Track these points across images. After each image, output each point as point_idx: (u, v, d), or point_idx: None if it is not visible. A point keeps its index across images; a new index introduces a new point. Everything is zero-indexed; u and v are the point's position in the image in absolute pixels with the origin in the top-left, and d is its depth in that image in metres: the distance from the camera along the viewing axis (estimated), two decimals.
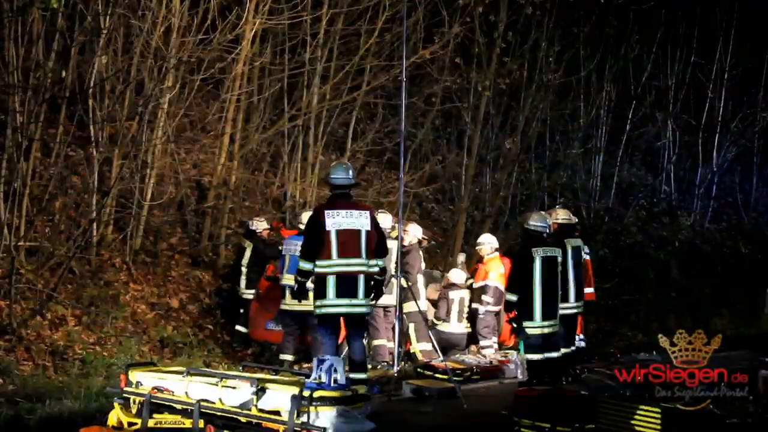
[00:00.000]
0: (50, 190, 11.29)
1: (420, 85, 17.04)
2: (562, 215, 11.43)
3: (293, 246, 10.65)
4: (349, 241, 8.38)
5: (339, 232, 8.34)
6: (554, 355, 9.83)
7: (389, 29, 14.87)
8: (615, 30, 21.31)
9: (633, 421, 7.67)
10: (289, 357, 10.84)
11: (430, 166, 17.87)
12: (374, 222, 8.62)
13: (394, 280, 10.27)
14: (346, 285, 8.38)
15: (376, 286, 8.67)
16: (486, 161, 18.63)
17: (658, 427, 7.49)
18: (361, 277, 8.44)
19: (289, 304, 10.57)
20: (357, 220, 8.45)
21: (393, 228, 11.77)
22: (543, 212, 12.85)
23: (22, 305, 10.49)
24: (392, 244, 11.42)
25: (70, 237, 11.33)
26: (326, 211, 8.43)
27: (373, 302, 8.92)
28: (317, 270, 8.38)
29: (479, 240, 13.05)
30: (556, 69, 19.01)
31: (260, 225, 12.66)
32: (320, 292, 8.42)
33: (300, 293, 8.81)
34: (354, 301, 8.42)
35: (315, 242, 8.39)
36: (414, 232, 11.87)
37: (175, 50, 12.01)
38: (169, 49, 11.95)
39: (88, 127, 12.12)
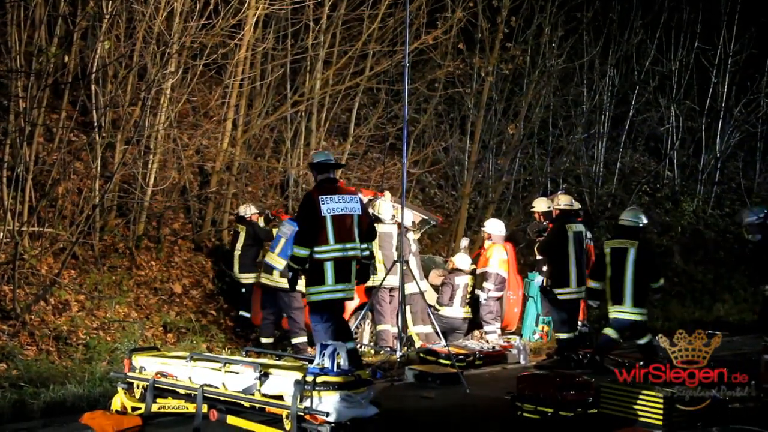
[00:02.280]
0: (53, 176, 11.28)
1: (423, 71, 17.01)
2: (563, 201, 11.52)
3: (280, 225, 11.00)
4: (344, 226, 8.41)
5: (334, 218, 8.36)
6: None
7: (392, 14, 14.82)
8: (618, 15, 21.28)
9: (635, 406, 7.71)
10: (269, 340, 10.95)
11: (432, 152, 17.85)
12: (364, 206, 8.68)
13: (397, 263, 10.36)
14: (344, 270, 8.42)
15: (364, 269, 8.72)
16: (489, 147, 18.60)
17: (660, 412, 7.52)
18: (354, 262, 8.50)
19: (264, 277, 10.88)
20: (349, 204, 8.48)
21: (394, 208, 11.85)
22: (545, 197, 12.93)
23: (26, 290, 10.51)
24: (393, 229, 11.54)
25: (73, 222, 11.34)
26: (320, 197, 8.40)
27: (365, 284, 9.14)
28: (315, 256, 8.34)
29: (485, 223, 13.18)
30: (560, 54, 18.96)
31: (248, 210, 12.70)
32: (318, 279, 8.37)
33: (294, 280, 8.80)
34: (349, 286, 8.49)
35: (312, 228, 8.37)
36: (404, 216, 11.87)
37: (178, 35, 11.98)
38: (172, 34, 11.93)
39: (90, 112, 12.13)
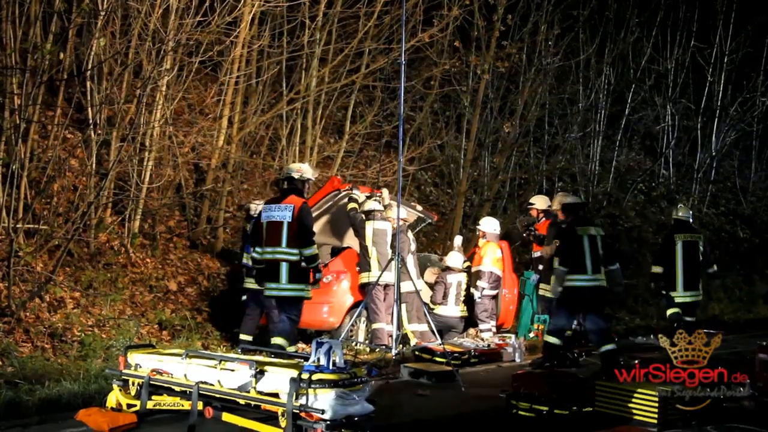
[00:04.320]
0: (48, 173, 11.25)
1: (419, 69, 17.01)
2: (540, 203, 11.79)
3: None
4: (273, 232, 9.40)
5: (268, 224, 9.44)
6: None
7: (388, 12, 14.82)
8: (615, 13, 21.29)
9: (630, 405, 7.72)
10: (248, 337, 10.97)
11: (428, 150, 17.84)
12: (297, 214, 9.35)
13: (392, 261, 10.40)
14: (271, 271, 9.44)
15: (304, 272, 9.46)
16: (485, 145, 18.61)
17: (655, 410, 7.53)
18: (284, 264, 9.34)
19: (249, 282, 11.00)
20: (280, 213, 9.42)
21: (388, 206, 11.86)
22: (542, 195, 12.96)
23: (21, 287, 10.48)
24: (386, 226, 11.58)
25: (68, 219, 11.31)
26: (265, 206, 9.67)
27: (313, 286, 9.68)
28: (255, 256, 9.68)
29: (480, 221, 13.23)
30: (556, 52, 18.97)
31: (257, 207, 12.67)
32: (257, 276, 9.81)
33: (257, 278, 9.90)
34: (280, 285, 9.37)
35: (256, 233, 9.77)
36: (400, 213, 11.86)
37: (174, 32, 11.95)
38: (168, 32, 11.89)
39: (86, 109, 12.10)
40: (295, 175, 9.64)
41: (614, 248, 12.91)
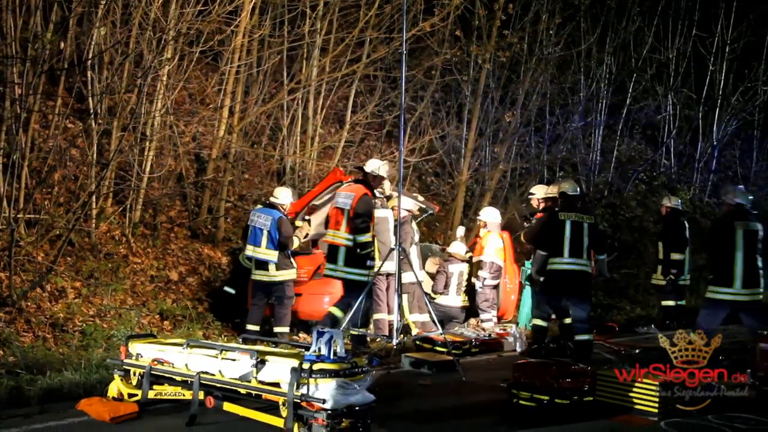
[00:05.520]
0: (49, 162, 11.26)
1: (420, 58, 16.95)
2: (540, 192, 11.77)
3: (255, 217, 11.05)
4: (336, 217, 10.39)
5: (334, 209, 10.45)
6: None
7: (389, 1, 14.78)
8: (616, 2, 21.20)
9: (631, 394, 7.73)
10: (255, 327, 10.99)
11: (429, 140, 17.82)
12: (355, 204, 10.20)
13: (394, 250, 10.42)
14: (331, 253, 10.43)
15: (360, 258, 10.18)
16: (486, 135, 18.57)
17: (656, 399, 7.55)
18: (342, 249, 10.27)
19: (259, 274, 10.99)
20: (344, 200, 10.33)
21: (389, 198, 11.85)
22: (542, 185, 12.96)
23: (22, 277, 10.50)
24: (388, 214, 11.56)
25: (69, 209, 11.32)
26: (338, 192, 10.65)
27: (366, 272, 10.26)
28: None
29: (481, 211, 13.23)
30: (557, 42, 18.91)
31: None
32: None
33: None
34: (336, 267, 10.35)
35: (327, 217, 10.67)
36: (405, 205, 11.84)
37: (174, 22, 11.94)
38: (168, 21, 11.88)
39: (86, 99, 12.10)
40: (367, 169, 10.62)
41: (605, 239, 12.95)
